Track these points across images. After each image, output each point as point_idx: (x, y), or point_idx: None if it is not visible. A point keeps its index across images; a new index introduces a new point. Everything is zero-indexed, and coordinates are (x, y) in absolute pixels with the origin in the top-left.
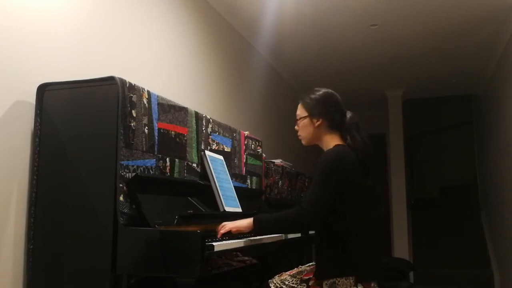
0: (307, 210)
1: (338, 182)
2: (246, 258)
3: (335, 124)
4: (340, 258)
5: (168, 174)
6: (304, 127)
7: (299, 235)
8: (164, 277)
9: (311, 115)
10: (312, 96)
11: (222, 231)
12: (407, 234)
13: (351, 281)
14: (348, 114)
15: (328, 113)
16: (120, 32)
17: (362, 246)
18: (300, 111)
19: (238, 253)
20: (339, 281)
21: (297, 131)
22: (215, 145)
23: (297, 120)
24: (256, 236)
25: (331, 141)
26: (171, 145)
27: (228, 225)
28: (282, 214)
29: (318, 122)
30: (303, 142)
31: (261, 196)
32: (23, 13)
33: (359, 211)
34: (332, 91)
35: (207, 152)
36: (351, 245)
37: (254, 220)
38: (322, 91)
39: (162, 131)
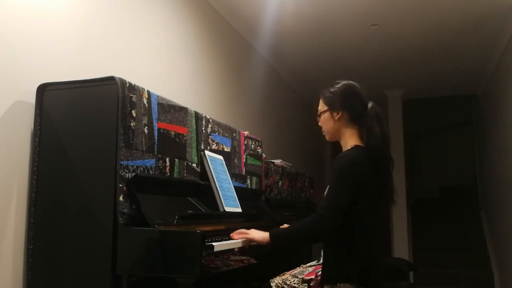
0: (325, 218)
1: (353, 186)
2: (246, 258)
3: (356, 116)
4: (344, 265)
5: (168, 174)
6: (325, 122)
7: None
8: (164, 277)
9: (332, 108)
10: (332, 89)
11: (237, 236)
12: (407, 234)
13: (353, 286)
14: (369, 105)
15: (348, 105)
16: (120, 32)
17: (367, 252)
18: (321, 106)
19: (238, 253)
20: (340, 285)
21: (320, 127)
22: (215, 145)
23: (318, 115)
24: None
25: (349, 139)
26: (171, 145)
27: (244, 234)
28: (299, 225)
29: (338, 115)
30: (327, 137)
31: (261, 196)
32: (23, 13)
33: (367, 217)
34: (352, 82)
35: (207, 152)
36: (356, 251)
37: (270, 235)
38: (342, 83)
39: (162, 131)
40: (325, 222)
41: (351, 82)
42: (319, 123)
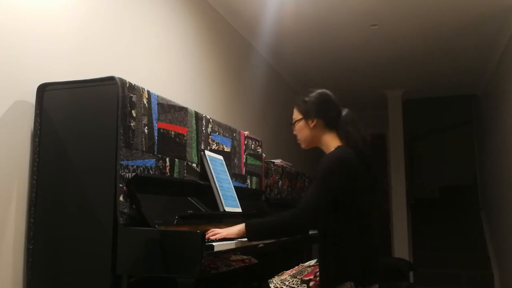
0: (302, 216)
1: (338, 187)
2: (245, 257)
3: (331, 123)
4: (342, 264)
5: (168, 174)
6: (300, 130)
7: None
8: (164, 277)
9: (306, 116)
10: (306, 98)
11: (212, 238)
12: (407, 234)
13: (352, 284)
14: (344, 111)
15: (322, 112)
16: (120, 32)
17: (365, 250)
18: (295, 115)
19: (238, 253)
20: (340, 286)
21: (295, 136)
22: (215, 145)
23: (292, 124)
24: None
25: (331, 142)
26: (171, 145)
27: (219, 234)
28: (275, 218)
29: (313, 123)
30: (302, 146)
31: (261, 196)
32: (23, 13)
33: (363, 215)
34: (325, 90)
35: (207, 152)
36: (354, 249)
37: (246, 226)
38: (315, 92)
39: (162, 131)
40: (303, 218)
41: (325, 90)
42: (294, 132)
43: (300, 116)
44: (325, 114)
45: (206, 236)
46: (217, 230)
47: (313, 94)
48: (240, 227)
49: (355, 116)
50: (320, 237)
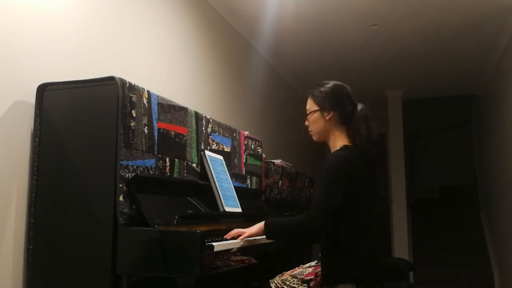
0: (315, 218)
1: (345, 186)
2: (245, 258)
3: (346, 117)
4: (343, 264)
5: (168, 174)
6: (315, 122)
7: None
8: (164, 277)
9: (322, 108)
10: (322, 89)
11: (238, 239)
12: (407, 234)
13: (353, 285)
14: (359, 106)
15: (339, 105)
16: (120, 32)
17: (365, 251)
18: (310, 105)
19: (238, 253)
20: (340, 286)
21: (307, 127)
22: (215, 145)
23: (307, 115)
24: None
25: (338, 139)
26: (171, 145)
27: (243, 234)
28: (292, 220)
29: (330, 115)
30: (314, 138)
31: (261, 196)
32: (23, 13)
33: (363, 216)
34: (342, 83)
35: (207, 152)
36: (354, 250)
37: (265, 225)
38: (332, 83)
39: (162, 131)
40: (315, 222)
41: (340, 82)
42: (307, 123)
43: (316, 108)
44: (341, 108)
45: (229, 235)
46: (240, 230)
47: (330, 85)
48: (259, 226)
49: (369, 112)
50: (321, 238)
